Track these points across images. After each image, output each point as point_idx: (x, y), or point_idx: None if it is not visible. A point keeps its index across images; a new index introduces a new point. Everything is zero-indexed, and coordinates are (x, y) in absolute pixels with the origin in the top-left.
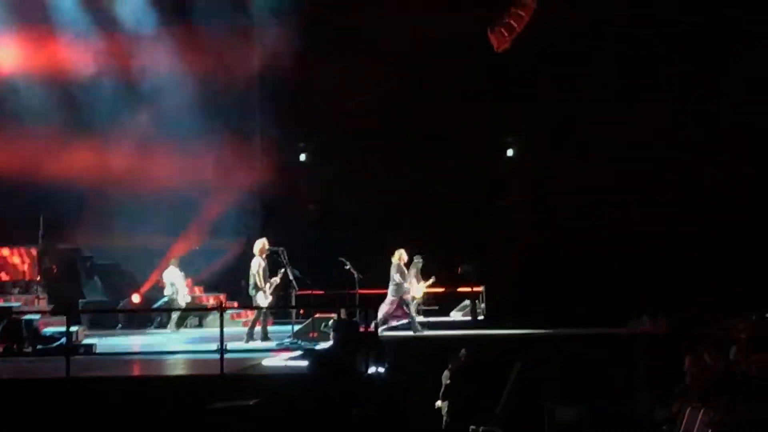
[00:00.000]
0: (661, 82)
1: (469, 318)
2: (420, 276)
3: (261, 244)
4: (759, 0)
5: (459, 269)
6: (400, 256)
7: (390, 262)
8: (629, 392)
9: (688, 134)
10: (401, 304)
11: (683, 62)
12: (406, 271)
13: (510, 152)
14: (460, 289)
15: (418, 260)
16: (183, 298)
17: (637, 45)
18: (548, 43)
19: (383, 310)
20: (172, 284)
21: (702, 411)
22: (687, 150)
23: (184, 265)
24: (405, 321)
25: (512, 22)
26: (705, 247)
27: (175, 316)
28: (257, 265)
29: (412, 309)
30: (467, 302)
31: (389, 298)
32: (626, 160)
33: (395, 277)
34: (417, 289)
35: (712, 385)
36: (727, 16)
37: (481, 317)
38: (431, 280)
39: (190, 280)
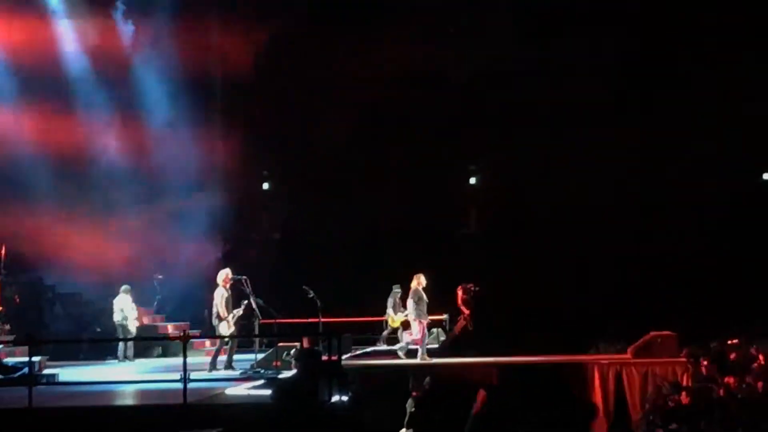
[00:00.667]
0: (622, 109)
1: (435, 345)
2: (399, 305)
3: (224, 274)
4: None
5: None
6: (418, 280)
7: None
8: (589, 418)
9: (648, 161)
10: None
11: (644, 87)
12: (424, 296)
13: (473, 180)
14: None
15: (397, 290)
16: (132, 325)
17: (596, 72)
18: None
19: (415, 335)
20: (122, 311)
21: None
22: (647, 177)
23: (147, 294)
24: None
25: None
26: (667, 273)
27: (122, 345)
28: (220, 295)
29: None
30: (433, 330)
31: (414, 323)
32: (589, 188)
33: (409, 302)
34: (396, 318)
35: (673, 411)
36: (683, 42)
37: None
38: (407, 313)
39: (141, 309)
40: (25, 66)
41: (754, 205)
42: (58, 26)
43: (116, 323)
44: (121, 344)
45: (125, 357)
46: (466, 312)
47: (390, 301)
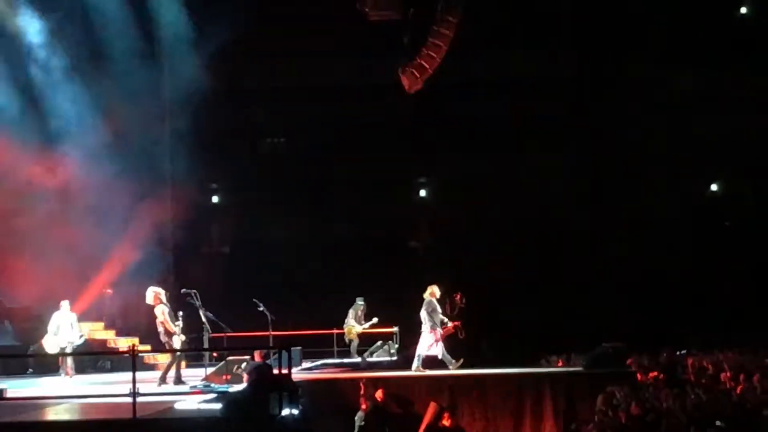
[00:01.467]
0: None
1: (386, 358)
2: (362, 317)
3: (152, 293)
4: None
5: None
6: (431, 291)
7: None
8: (539, 431)
9: (598, 173)
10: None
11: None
12: (438, 307)
13: (423, 193)
14: (372, 331)
15: (360, 302)
16: (67, 339)
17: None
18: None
19: (439, 350)
20: (58, 326)
21: None
22: (597, 188)
23: (96, 309)
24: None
25: (424, 62)
26: (617, 285)
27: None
28: (161, 312)
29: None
30: (380, 343)
31: (429, 335)
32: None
33: (423, 313)
34: (357, 329)
35: (623, 423)
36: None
37: (395, 358)
38: (374, 321)
39: (91, 323)
40: None
41: (704, 217)
42: None
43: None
44: (63, 360)
45: (61, 372)
46: (457, 322)
47: (351, 313)
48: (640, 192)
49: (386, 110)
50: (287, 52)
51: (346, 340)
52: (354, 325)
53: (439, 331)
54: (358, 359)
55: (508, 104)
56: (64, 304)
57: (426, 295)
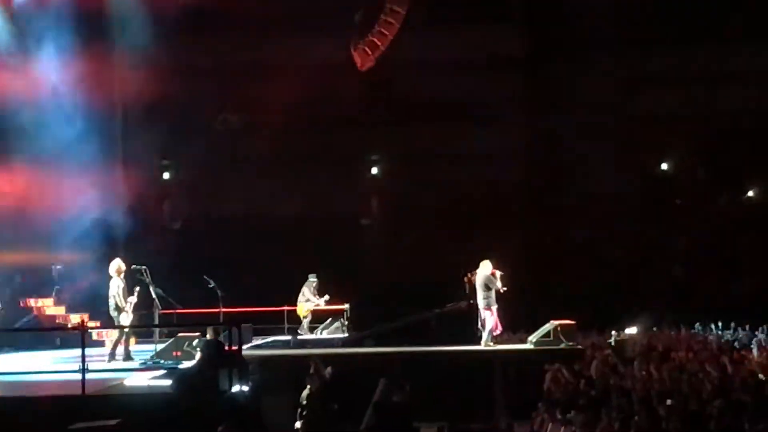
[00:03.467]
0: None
1: (338, 335)
2: (315, 293)
3: (116, 264)
4: None
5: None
6: (486, 267)
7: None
8: (490, 409)
9: (547, 152)
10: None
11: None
12: (494, 280)
13: (375, 170)
14: (324, 308)
15: (312, 279)
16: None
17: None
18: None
19: (489, 323)
20: None
21: (563, 427)
22: (545, 168)
23: (45, 284)
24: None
25: (376, 40)
26: (567, 263)
27: None
28: (116, 286)
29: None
30: (331, 320)
31: (485, 311)
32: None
33: (479, 290)
34: (307, 305)
35: (572, 400)
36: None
37: (346, 335)
38: (326, 298)
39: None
40: None
41: (654, 195)
42: None
43: None
44: None
45: None
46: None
47: (305, 290)
48: (590, 170)
49: (339, 88)
50: (240, 28)
51: (301, 317)
52: (306, 301)
53: (495, 307)
54: (311, 336)
55: (458, 82)
56: None
57: (481, 272)
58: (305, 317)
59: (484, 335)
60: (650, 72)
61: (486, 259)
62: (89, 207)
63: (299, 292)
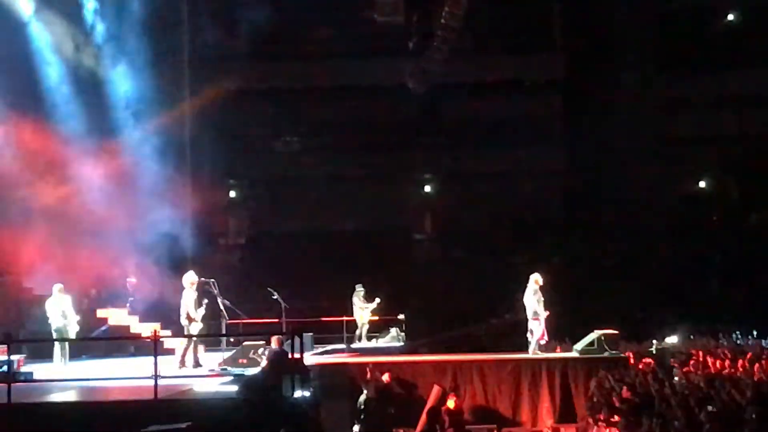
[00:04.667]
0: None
1: (394, 344)
2: (364, 302)
3: (190, 277)
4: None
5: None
6: (535, 280)
7: None
8: (536, 412)
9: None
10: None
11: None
12: (541, 295)
13: (427, 188)
14: (383, 318)
15: (359, 288)
16: (72, 328)
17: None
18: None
19: (537, 333)
20: (63, 313)
21: (606, 430)
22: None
23: (120, 296)
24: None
25: (428, 65)
26: (611, 275)
27: (59, 346)
28: (189, 297)
29: None
30: (387, 329)
31: (533, 321)
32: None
33: (530, 301)
34: (364, 314)
35: (615, 405)
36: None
37: (402, 343)
38: (376, 302)
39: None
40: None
41: (694, 211)
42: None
43: (56, 329)
44: (58, 346)
45: (54, 360)
46: None
47: (356, 300)
48: (629, 189)
49: (393, 110)
50: (300, 56)
51: (359, 325)
52: (363, 312)
53: (543, 317)
54: (369, 344)
55: (503, 105)
56: (59, 288)
57: (531, 285)
58: (364, 325)
59: (532, 344)
60: (686, 95)
61: (533, 272)
62: (161, 224)
63: (352, 303)
